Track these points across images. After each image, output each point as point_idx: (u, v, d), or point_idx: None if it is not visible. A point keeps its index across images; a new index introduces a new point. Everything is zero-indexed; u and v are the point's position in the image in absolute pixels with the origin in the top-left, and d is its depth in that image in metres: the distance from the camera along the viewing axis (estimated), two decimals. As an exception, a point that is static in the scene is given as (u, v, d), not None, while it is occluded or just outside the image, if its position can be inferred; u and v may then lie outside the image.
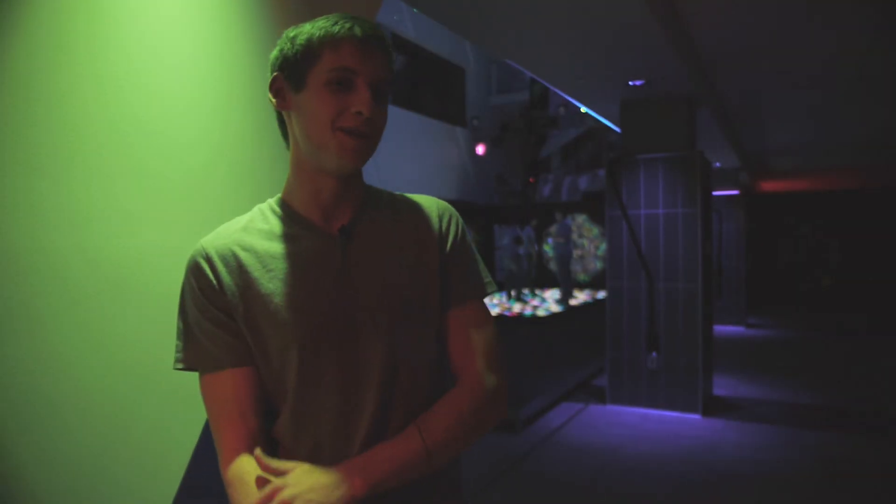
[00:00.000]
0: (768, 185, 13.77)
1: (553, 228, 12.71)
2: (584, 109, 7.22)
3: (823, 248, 14.63)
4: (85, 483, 1.41)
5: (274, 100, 1.07)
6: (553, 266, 13.07)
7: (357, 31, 1.01)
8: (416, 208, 1.15)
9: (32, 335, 1.33)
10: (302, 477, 0.95)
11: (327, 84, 1.00)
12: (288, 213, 1.10)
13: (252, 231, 1.09)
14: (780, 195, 14.45)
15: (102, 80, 1.46)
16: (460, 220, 1.17)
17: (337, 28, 1.01)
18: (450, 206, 1.19)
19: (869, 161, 11.84)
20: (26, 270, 1.32)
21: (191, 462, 1.66)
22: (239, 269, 1.05)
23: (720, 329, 10.37)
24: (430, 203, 1.17)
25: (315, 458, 1.01)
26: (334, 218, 1.09)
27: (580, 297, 13.44)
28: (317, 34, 1.01)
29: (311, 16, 1.09)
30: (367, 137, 1.02)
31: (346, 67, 1.00)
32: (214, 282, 1.04)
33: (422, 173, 13.26)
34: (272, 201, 1.13)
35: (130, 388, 1.51)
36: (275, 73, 1.07)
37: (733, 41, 4.85)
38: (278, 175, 1.96)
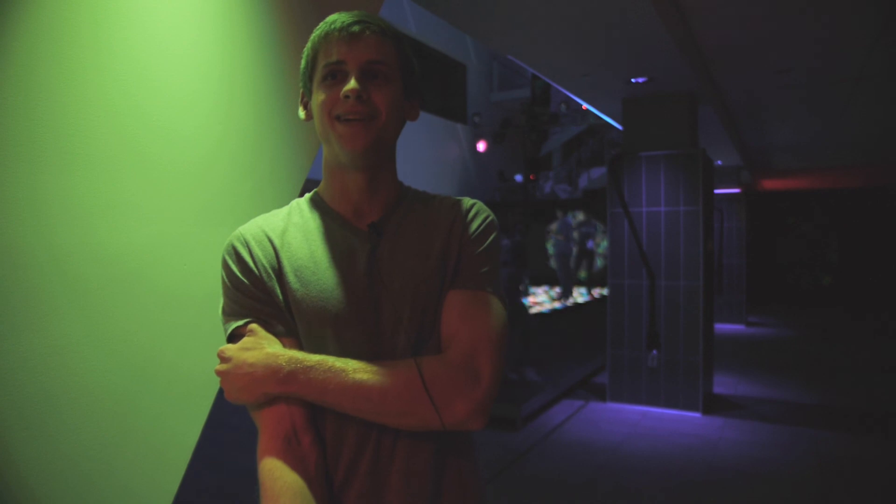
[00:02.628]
0: (770, 184, 13.77)
1: (553, 226, 12.71)
2: (586, 107, 7.21)
3: (824, 246, 14.64)
4: (86, 479, 1.41)
5: (303, 113, 1.13)
6: (553, 263, 13.09)
7: (338, 23, 1.04)
8: (450, 208, 1.14)
9: (34, 329, 1.33)
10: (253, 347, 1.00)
11: (322, 80, 1.05)
12: (321, 208, 1.13)
13: (287, 223, 1.11)
14: (781, 193, 14.45)
15: (105, 73, 1.46)
16: (489, 218, 1.13)
17: (321, 29, 1.06)
18: (485, 206, 1.15)
19: (870, 160, 11.83)
20: (28, 264, 1.32)
21: (192, 459, 1.66)
22: (275, 254, 1.07)
23: (721, 327, 10.38)
24: (465, 202, 1.15)
25: (341, 451, 1.03)
26: (365, 214, 1.10)
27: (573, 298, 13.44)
28: (310, 43, 1.08)
29: (313, 10, 1.09)
30: (364, 121, 1.03)
31: (333, 61, 1.03)
32: (252, 264, 1.06)
33: (423, 170, 13.25)
34: (308, 196, 1.16)
35: (133, 383, 1.51)
36: (301, 90, 1.13)
37: (736, 39, 4.84)
38: (279, 169, 1.95)
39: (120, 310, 1.49)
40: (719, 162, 9.98)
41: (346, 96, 1.01)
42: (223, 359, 1.02)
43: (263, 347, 1.00)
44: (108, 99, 1.47)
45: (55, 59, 1.36)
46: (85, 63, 1.42)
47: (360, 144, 1.03)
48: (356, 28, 1.03)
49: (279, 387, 0.98)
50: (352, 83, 1.01)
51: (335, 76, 1.03)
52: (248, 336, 1.02)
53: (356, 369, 0.99)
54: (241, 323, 1.04)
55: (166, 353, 1.58)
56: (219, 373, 1.02)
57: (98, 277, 1.44)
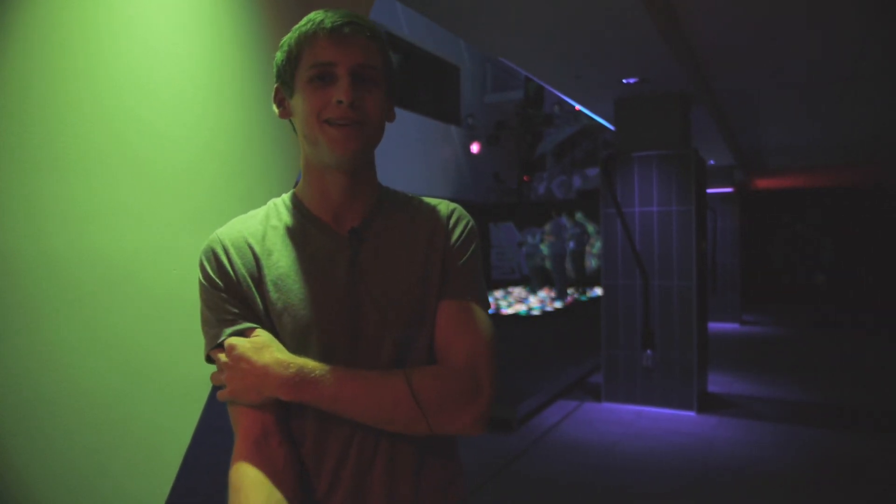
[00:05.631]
0: (763, 183, 13.82)
1: (547, 227, 12.74)
2: (578, 107, 7.22)
3: (817, 245, 14.69)
4: (81, 480, 1.41)
5: (277, 110, 1.11)
6: (548, 264, 13.13)
7: (327, 23, 1.02)
8: (430, 212, 1.13)
9: (28, 332, 1.33)
10: (262, 347, 1.00)
11: (309, 81, 1.02)
12: (301, 210, 1.11)
13: (266, 226, 1.10)
14: (774, 192, 14.50)
15: (96, 76, 1.46)
16: (470, 224, 1.15)
17: (308, 26, 1.03)
18: (465, 211, 1.16)
19: (862, 159, 11.88)
20: (22, 268, 1.32)
21: (184, 460, 1.66)
22: (254, 260, 1.06)
23: (715, 326, 10.40)
24: (445, 207, 1.15)
25: (317, 458, 1.03)
26: (346, 218, 1.09)
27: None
28: (294, 37, 1.05)
29: (300, 11, 1.09)
30: (355, 125, 1.02)
31: (321, 62, 1.02)
32: (230, 270, 1.04)
33: (417, 172, 13.25)
34: (286, 197, 1.14)
35: (126, 385, 1.51)
36: (276, 85, 1.10)
37: (728, 39, 4.86)
38: (269, 171, 1.96)
39: (113, 313, 1.49)
40: (712, 161, 10.01)
41: (339, 101, 1.00)
42: (234, 355, 0.99)
43: (274, 352, 0.99)
44: (100, 102, 1.47)
45: (46, 63, 1.36)
46: (76, 67, 1.42)
47: (351, 148, 1.02)
48: (347, 30, 1.01)
49: (290, 393, 0.98)
50: (345, 88, 1.00)
51: (323, 77, 1.02)
52: (259, 337, 1.01)
53: (368, 378, 1.00)
54: (238, 328, 1.02)
55: (159, 356, 1.59)
56: (227, 367, 1.00)
57: (91, 281, 1.45)
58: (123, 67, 1.53)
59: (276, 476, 0.99)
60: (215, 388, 1.07)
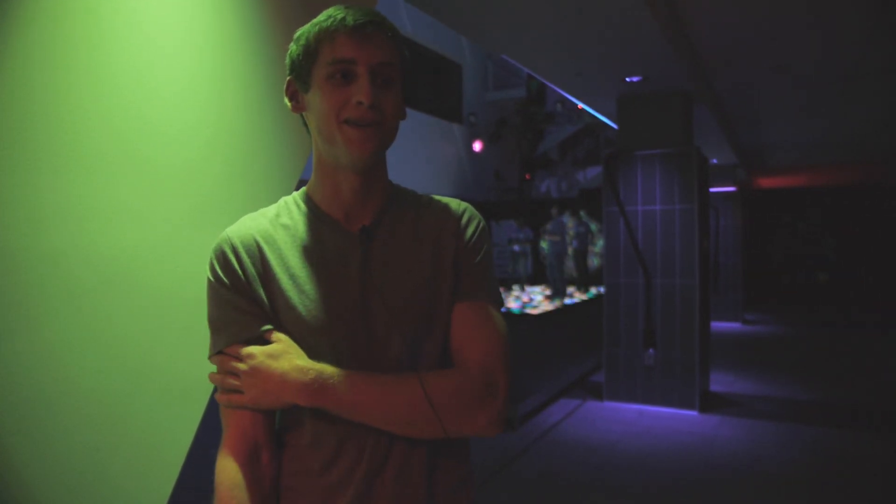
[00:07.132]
0: (765, 182, 13.80)
1: (548, 226, 12.73)
2: (581, 106, 7.22)
3: (820, 244, 14.68)
4: (81, 480, 1.40)
5: (289, 104, 1.09)
6: (548, 262, 13.13)
7: (349, 20, 1.01)
8: (441, 211, 1.13)
9: (29, 331, 1.32)
10: (282, 351, 1.00)
11: (328, 78, 1.01)
12: (312, 209, 1.10)
13: (276, 225, 1.09)
14: (776, 191, 14.49)
15: (98, 72, 1.45)
16: (482, 224, 1.14)
17: (329, 22, 1.02)
18: (476, 211, 1.16)
19: (865, 158, 11.87)
20: (22, 266, 1.31)
21: (187, 459, 1.66)
22: (262, 261, 1.05)
23: (717, 325, 10.40)
24: (456, 206, 1.14)
25: (330, 460, 1.03)
26: (356, 217, 1.08)
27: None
28: (313, 32, 1.03)
29: (304, 9, 1.08)
30: (373, 125, 1.01)
31: (342, 59, 1.00)
32: (240, 271, 1.04)
33: (419, 170, 13.25)
34: (297, 195, 1.13)
35: (127, 384, 1.50)
36: (288, 78, 1.09)
37: (730, 38, 4.85)
38: (271, 169, 1.95)
39: (113, 311, 1.48)
40: (714, 160, 9.99)
41: (360, 102, 0.99)
42: (252, 363, 0.99)
43: (292, 358, 0.99)
44: (101, 99, 1.46)
45: (48, 59, 1.36)
46: (77, 62, 1.41)
47: (369, 149, 1.02)
48: (370, 28, 1.01)
49: (308, 399, 0.98)
50: (366, 89, 0.99)
51: (343, 75, 1.00)
52: (276, 343, 1.01)
53: (383, 383, 0.99)
54: (249, 336, 1.02)
55: (160, 354, 1.58)
56: (244, 374, 1.00)
57: (91, 279, 1.44)
58: (125, 63, 1.52)
59: (263, 501, 1.02)
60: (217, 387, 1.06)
